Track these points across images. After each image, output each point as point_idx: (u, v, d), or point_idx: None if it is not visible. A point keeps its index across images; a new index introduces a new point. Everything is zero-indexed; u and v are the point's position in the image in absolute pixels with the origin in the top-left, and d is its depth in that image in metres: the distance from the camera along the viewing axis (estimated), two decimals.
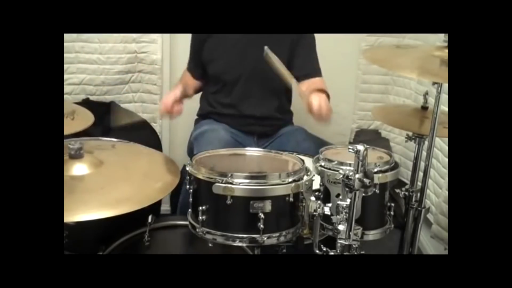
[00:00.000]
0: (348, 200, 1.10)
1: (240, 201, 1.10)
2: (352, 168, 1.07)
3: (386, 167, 1.27)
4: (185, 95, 1.78)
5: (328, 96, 1.73)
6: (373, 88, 2.52)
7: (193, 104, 2.02)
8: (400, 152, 2.48)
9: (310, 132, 1.93)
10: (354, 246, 1.11)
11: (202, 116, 1.97)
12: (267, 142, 1.89)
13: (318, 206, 1.17)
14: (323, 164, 1.27)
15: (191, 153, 1.81)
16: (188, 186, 1.19)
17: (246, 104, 1.86)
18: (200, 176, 1.14)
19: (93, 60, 2.20)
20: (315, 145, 1.56)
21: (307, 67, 1.88)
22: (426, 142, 1.54)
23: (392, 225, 1.32)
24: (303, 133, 1.89)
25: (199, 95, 2.01)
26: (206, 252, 1.20)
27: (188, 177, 1.19)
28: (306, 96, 1.61)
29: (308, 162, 1.30)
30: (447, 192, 1.89)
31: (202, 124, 1.89)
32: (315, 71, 1.89)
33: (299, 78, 1.89)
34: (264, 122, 1.88)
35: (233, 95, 1.86)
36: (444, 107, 1.49)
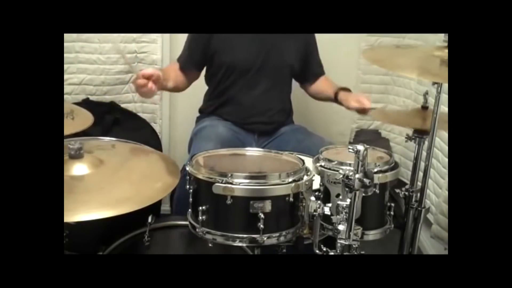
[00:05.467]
0: (348, 200, 1.10)
1: (240, 201, 1.10)
2: (352, 168, 1.07)
3: (386, 167, 1.27)
4: (163, 84, 1.65)
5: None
6: (373, 88, 2.52)
7: (193, 104, 2.02)
8: (400, 152, 2.48)
9: (310, 131, 1.93)
10: (354, 246, 1.11)
11: (204, 113, 1.97)
12: (267, 140, 1.89)
13: (318, 206, 1.17)
14: (323, 164, 1.27)
15: (191, 149, 1.82)
16: (188, 186, 1.19)
17: (249, 96, 1.85)
18: (200, 176, 1.14)
19: (93, 60, 2.21)
20: (315, 144, 1.56)
21: (319, 66, 2.00)
22: (426, 142, 1.54)
23: (392, 225, 1.32)
24: (304, 132, 1.90)
25: (202, 93, 1.99)
26: (206, 252, 1.20)
27: (188, 177, 1.19)
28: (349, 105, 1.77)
29: (308, 162, 1.30)
30: (447, 192, 1.89)
31: (203, 121, 1.89)
32: (322, 69, 2.02)
33: (313, 77, 1.97)
34: (265, 117, 1.88)
35: (239, 86, 1.85)
36: (444, 107, 1.49)
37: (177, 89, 1.88)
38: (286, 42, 1.85)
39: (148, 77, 1.51)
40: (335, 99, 1.84)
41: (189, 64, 1.88)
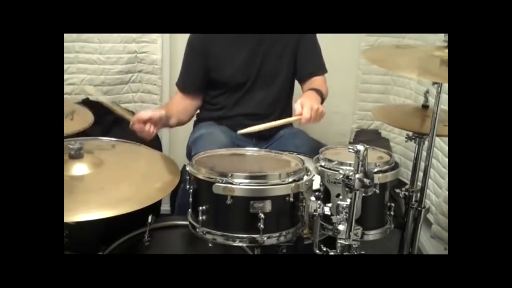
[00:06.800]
0: (348, 200, 1.10)
1: (240, 201, 1.10)
2: (352, 168, 1.07)
3: (386, 167, 1.27)
4: (165, 123, 1.68)
5: (321, 95, 1.74)
6: (373, 88, 2.52)
7: None
8: (400, 152, 2.48)
9: (310, 134, 1.92)
10: (354, 246, 1.11)
11: (201, 119, 1.96)
12: (265, 144, 1.88)
13: (318, 206, 1.17)
14: (323, 164, 1.27)
15: (189, 156, 1.81)
16: (188, 186, 1.19)
17: (248, 103, 1.85)
18: (200, 176, 1.14)
19: (93, 60, 2.21)
20: (314, 149, 1.56)
21: (310, 66, 1.91)
22: (426, 142, 1.54)
23: (392, 225, 1.32)
24: (303, 136, 1.88)
25: None
26: (206, 252, 1.20)
27: (188, 177, 1.19)
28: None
29: (308, 162, 1.30)
30: (447, 192, 1.89)
31: (200, 127, 1.88)
32: (318, 68, 1.90)
33: (303, 77, 1.91)
34: (264, 122, 1.87)
35: (237, 96, 1.85)
36: (444, 107, 1.49)
37: (181, 123, 1.87)
38: (278, 49, 1.84)
39: (145, 121, 1.52)
40: None
41: (191, 87, 1.88)
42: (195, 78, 1.88)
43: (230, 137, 1.80)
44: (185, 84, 1.89)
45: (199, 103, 1.93)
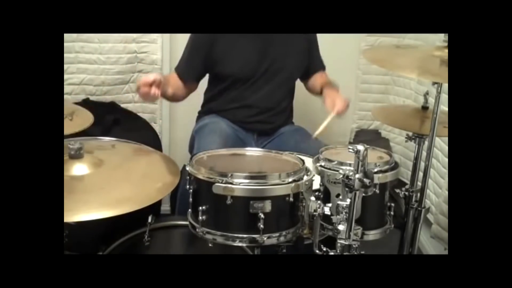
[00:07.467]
0: (348, 200, 1.10)
1: (240, 201, 1.10)
2: (352, 168, 1.07)
3: (386, 167, 1.27)
4: (163, 90, 1.63)
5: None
6: (373, 88, 2.52)
7: (193, 104, 2.02)
8: (400, 152, 2.48)
9: (310, 132, 1.93)
10: (354, 246, 1.11)
11: (204, 112, 1.97)
12: (266, 140, 1.89)
13: (318, 206, 1.17)
14: (323, 164, 1.27)
15: (192, 147, 1.84)
16: (188, 186, 1.19)
17: (251, 99, 1.86)
18: (200, 176, 1.14)
19: (93, 60, 2.21)
20: (314, 146, 1.56)
21: (318, 62, 2.02)
22: (426, 142, 1.54)
23: (392, 225, 1.32)
24: (302, 134, 1.90)
25: (201, 93, 1.99)
26: (206, 252, 1.20)
27: (188, 177, 1.19)
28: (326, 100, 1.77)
29: (308, 162, 1.30)
30: (447, 192, 1.89)
31: (204, 119, 1.91)
32: (321, 66, 2.03)
33: (310, 74, 2.00)
34: (266, 116, 1.88)
35: (241, 90, 1.86)
36: (444, 107, 1.49)
37: (176, 97, 1.87)
38: (288, 48, 1.85)
39: (151, 84, 1.52)
40: (321, 94, 1.87)
41: (189, 75, 1.88)
42: (195, 70, 1.88)
43: (232, 129, 1.82)
44: (184, 73, 1.88)
45: (194, 88, 1.94)
